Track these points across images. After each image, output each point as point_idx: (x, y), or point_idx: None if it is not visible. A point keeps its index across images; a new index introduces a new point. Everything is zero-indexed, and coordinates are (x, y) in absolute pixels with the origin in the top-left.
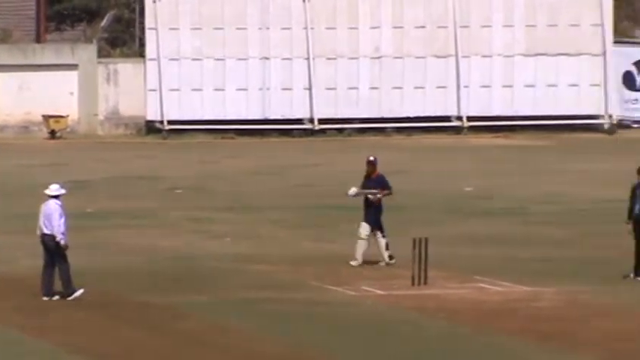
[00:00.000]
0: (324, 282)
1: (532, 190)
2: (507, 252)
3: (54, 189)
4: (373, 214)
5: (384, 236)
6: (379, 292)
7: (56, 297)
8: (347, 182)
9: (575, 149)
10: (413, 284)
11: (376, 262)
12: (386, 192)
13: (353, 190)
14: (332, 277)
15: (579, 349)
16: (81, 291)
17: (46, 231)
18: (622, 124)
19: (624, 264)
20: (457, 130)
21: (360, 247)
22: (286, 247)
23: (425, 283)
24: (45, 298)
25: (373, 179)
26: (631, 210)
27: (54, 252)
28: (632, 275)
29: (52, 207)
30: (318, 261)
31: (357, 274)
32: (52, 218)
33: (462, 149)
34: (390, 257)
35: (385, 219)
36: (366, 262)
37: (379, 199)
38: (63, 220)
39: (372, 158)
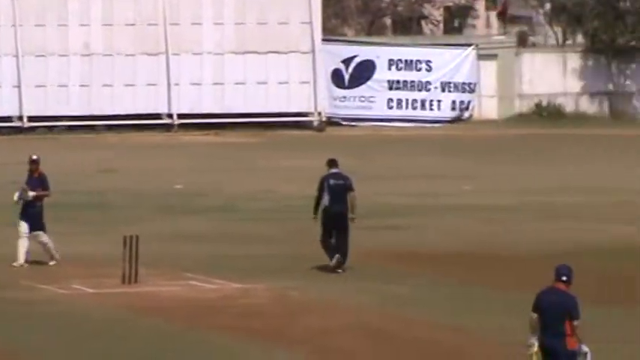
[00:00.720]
0: (34, 281)
1: (242, 187)
2: (218, 249)
3: None
4: (32, 214)
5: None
6: (90, 290)
7: None
8: (58, 181)
9: (286, 146)
10: (124, 282)
11: (46, 263)
12: (43, 193)
13: (16, 195)
14: (42, 275)
15: (289, 345)
16: None
17: None
18: (331, 122)
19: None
20: (168, 127)
21: (22, 247)
22: None
23: (136, 281)
24: None
25: (35, 178)
26: (318, 203)
27: None
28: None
29: None
30: (28, 259)
31: (67, 272)
32: None
33: (173, 147)
34: (52, 258)
35: (95, 218)
36: (36, 262)
37: (36, 197)
38: None
39: (34, 157)
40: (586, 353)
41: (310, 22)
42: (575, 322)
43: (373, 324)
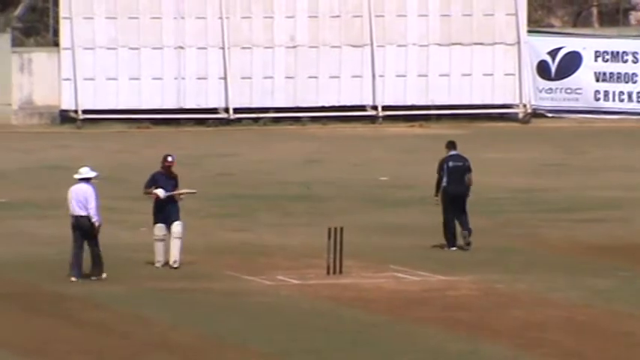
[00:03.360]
0: (240, 272)
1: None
2: (423, 241)
3: (85, 172)
4: (175, 212)
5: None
6: (295, 281)
7: (93, 278)
8: (265, 172)
9: (490, 138)
10: (328, 274)
11: (252, 255)
12: (193, 191)
13: (162, 192)
14: (248, 266)
15: (495, 337)
16: (105, 275)
17: (81, 212)
18: (537, 114)
19: (537, 252)
20: (372, 119)
21: (162, 248)
22: (202, 237)
23: (340, 272)
24: (73, 279)
25: (172, 178)
26: (439, 184)
27: (87, 233)
28: (446, 248)
29: (88, 190)
30: (234, 251)
31: (273, 263)
32: (90, 200)
33: (378, 138)
34: (175, 262)
35: (301, 209)
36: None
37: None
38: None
39: (170, 158)
40: None
41: (516, 14)
42: None
43: (580, 318)
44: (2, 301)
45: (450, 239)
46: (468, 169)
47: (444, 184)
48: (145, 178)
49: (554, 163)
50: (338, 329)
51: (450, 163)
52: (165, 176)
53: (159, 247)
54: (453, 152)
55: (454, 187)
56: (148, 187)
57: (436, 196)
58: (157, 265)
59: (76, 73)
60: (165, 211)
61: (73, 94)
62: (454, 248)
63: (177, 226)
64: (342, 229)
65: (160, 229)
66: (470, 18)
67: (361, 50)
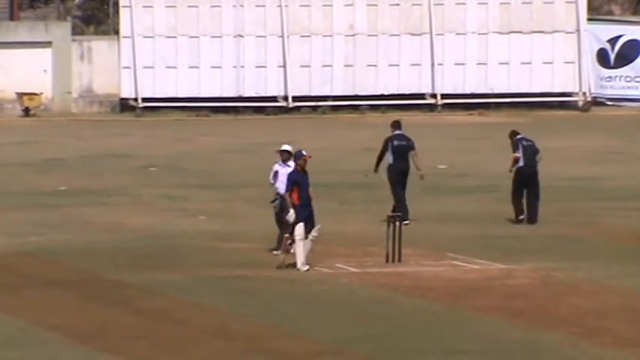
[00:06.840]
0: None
1: (505, 167)
2: (481, 229)
3: (285, 148)
4: (312, 214)
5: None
6: (353, 269)
7: (275, 253)
8: (323, 160)
9: (549, 126)
10: (387, 262)
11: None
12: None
13: (293, 216)
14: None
15: (553, 326)
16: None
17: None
18: (596, 102)
19: (596, 241)
20: (431, 107)
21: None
22: (260, 225)
23: (399, 260)
24: (274, 253)
25: (306, 174)
26: (379, 160)
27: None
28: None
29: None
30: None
31: (331, 251)
32: (270, 175)
33: (436, 127)
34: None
35: (359, 197)
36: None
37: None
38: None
39: (305, 153)
40: None
41: (575, 1)
42: None
43: (639, 306)
44: (61, 288)
45: (406, 212)
46: (412, 147)
47: (390, 161)
48: (202, 166)
49: (613, 151)
50: (397, 317)
51: (395, 142)
52: (302, 174)
53: (301, 247)
54: (397, 132)
55: (399, 164)
56: (290, 189)
57: (375, 170)
58: (303, 268)
59: (136, 61)
60: (305, 212)
61: (132, 82)
62: (406, 222)
63: (316, 231)
64: (400, 216)
65: (302, 227)
66: (529, 6)
67: (420, 38)
